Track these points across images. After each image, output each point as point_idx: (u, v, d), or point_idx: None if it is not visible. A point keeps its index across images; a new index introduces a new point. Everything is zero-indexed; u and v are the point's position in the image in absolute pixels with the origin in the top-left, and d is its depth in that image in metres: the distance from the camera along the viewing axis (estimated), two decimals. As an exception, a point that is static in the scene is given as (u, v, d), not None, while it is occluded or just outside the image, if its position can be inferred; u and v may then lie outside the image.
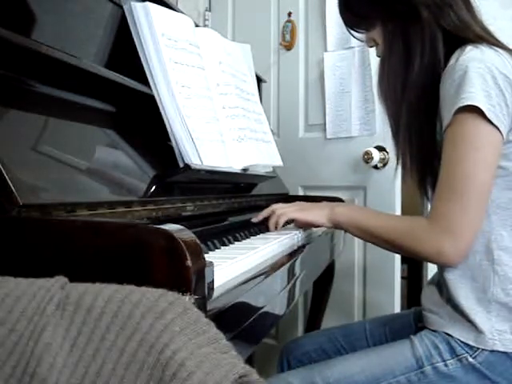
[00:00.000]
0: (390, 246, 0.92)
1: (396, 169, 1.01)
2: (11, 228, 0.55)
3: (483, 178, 0.80)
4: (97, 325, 0.42)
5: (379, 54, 0.98)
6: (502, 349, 0.83)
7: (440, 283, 0.93)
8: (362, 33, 1.01)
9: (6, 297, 0.44)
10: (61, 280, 0.46)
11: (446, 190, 0.83)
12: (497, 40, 0.89)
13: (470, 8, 0.91)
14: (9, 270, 0.49)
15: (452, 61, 0.84)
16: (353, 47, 1.73)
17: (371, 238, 0.94)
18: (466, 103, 0.78)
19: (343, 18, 1.01)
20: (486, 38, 0.86)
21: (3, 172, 0.55)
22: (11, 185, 0.55)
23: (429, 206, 1.13)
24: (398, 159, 0.99)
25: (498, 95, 0.78)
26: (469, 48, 0.83)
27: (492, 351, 0.83)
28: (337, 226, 1.00)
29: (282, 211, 1.04)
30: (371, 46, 1.00)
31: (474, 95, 0.77)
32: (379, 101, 0.99)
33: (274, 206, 1.08)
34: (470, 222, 0.81)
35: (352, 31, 1.01)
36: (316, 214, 1.01)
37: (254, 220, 1.09)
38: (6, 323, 0.43)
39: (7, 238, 0.55)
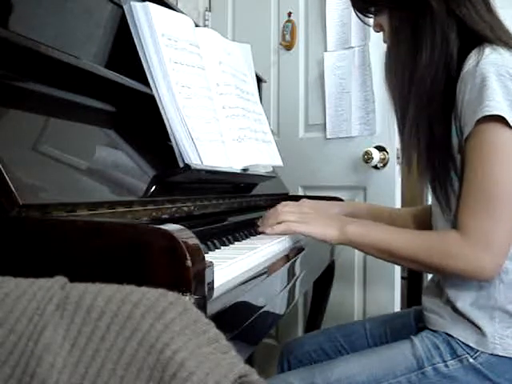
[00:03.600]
0: (419, 265, 0.86)
1: (400, 164, 0.97)
2: (11, 228, 0.55)
3: None
4: (97, 325, 0.42)
5: (385, 40, 0.95)
6: (502, 353, 0.83)
7: (441, 284, 0.93)
8: (369, 17, 0.97)
9: (6, 297, 0.44)
10: (61, 280, 0.46)
11: (477, 202, 0.78)
12: None
13: (489, 7, 0.87)
14: (9, 270, 0.49)
15: (471, 63, 0.81)
16: (353, 47, 1.73)
17: (394, 257, 0.87)
18: (490, 113, 0.75)
19: (352, 2, 0.98)
20: (503, 39, 0.83)
21: (3, 172, 0.55)
22: (11, 185, 0.55)
23: (429, 199, 1.11)
24: (402, 155, 0.95)
25: None
26: (488, 50, 0.80)
27: (492, 354, 0.83)
28: (348, 245, 0.92)
29: (285, 218, 0.95)
30: (378, 31, 0.97)
31: (498, 104, 0.75)
32: (387, 92, 0.95)
33: (280, 208, 0.99)
34: (506, 233, 0.78)
35: (360, 14, 0.98)
36: (323, 231, 0.91)
37: (268, 232, 0.98)
38: (5, 323, 0.43)
39: (7, 237, 0.55)
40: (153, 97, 0.89)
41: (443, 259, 0.82)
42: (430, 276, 1.27)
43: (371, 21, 0.99)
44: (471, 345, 0.84)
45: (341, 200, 1.49)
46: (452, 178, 0.87)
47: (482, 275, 0.80)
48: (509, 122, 0.75)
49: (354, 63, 1.73)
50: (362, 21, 1.01)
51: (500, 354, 0.83)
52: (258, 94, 1.38)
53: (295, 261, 0.91)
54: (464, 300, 0.86)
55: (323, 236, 0.92)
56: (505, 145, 0.77)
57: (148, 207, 0.80)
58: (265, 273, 0.74)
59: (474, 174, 0.79)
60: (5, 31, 0.64)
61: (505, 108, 0.75)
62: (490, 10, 0.88)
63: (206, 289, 0.52)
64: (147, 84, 0.90)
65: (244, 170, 1.11)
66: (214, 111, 1.02)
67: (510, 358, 0.83)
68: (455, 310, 0.87)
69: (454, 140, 0.85)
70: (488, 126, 0.77)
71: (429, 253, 0.83)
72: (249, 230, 1.03)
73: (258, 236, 1.01)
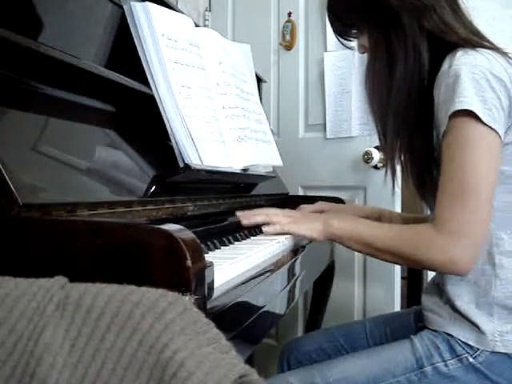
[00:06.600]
0: (396, 257, 0.87)
1: (386, 173, 1.00)
2: (11, 228, 0.55)
3: (488, 179, 0.79)
4: (97, 325, 0.42)
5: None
6: (503, 350, 0.83)
7: (440, 283, 0.93)
8: (351, 40, 1.02)
9: (6, 297, 0.44)
10: (61, 280, 0.46)
11: (451, 194, 0.80)
12: (485, 40, 0.88)
13: (456, 9, 0.91)
14: (9, 270, 0.49)
15: (445, 67, 0.84)
16: (353, 47, 1.73)
17: (373, 250, 0.90)
18: (461, 107, 0.78)
19: (332, 27, 1.02)
20: (471, 40, 0.86)
21: (3, 172, 0.55)
22: (11, 185, 0.55)
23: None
24: (386, 165, 0.99)
25: (493, 98, 0.79)
26: (459, 54, 0.83)
27: (492, 352, 0.83)
28: (332, 239, 0.96)
29: (277, 219, 0.98)
30: (363, 53, 1.00)
31: (470, 100, 0.78)
32: (366, 106, 0.99)
33: (269, 211, 1.02)
34: (479, 225, 0.79)
35: (341, 39, 1.02)
36: (308, 228, 0.96)
37: (244, 223, 0.99)
38: (5, 323, 0.43)
39: (7, 237, 0.55)
40: (153, 97, 0.89)
41: (417, 250, 0.83)
42: (430, 276, 1.27)
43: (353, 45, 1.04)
44: (471, 344, 0.84)
45: (341, 200, 1.49)
46: (436, 179, 0.89)
47: (457, 266, 0.80)
48: (480, 116, 0.77)
49: (354, 63, 1.73)
50: (345, 45, 1.05)
51: (501, 351, 0.83)
52: (257, 94, 1.38)
53: (295, 261, 0.91)
54: (462, 298, 0.87)
55: (310, 232, 0.95)
56: (479, 137, 0.79)
57: (148, 207, 0.80)
58: (265, 273, 0.74)
59: (449, 168, 0.81)
60: (5, 31, 0.64)
61: (476, 103, 0.77)
62: (459, 16, 0.91)
63: (206, 289, 0.52)
64: (147, 84, 0.90)
65: (244, 170, 1.11)
66: (213, 111, 1.02)
67: (509, 356, 0.83)
68: (455, 309, 0.88)
69: (436, 143, 0.88)
70: (462, 120, 0.79)
71: (404, 244, 0.85)
72: (249, 230, 1.03)
73: (258, 236, 1.01)
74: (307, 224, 0.97)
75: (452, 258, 0.80)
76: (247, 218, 0.99)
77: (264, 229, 0.97)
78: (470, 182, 0.79)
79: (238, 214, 1.01)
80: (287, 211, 1.07)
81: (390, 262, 0.93)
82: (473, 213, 0.79)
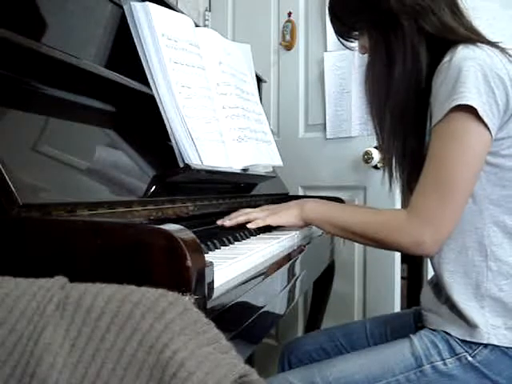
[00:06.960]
0: (368, 239, 0.91)
1: (384, 172, 1.01)
2: (11, 228, 0.55)
3: (468, 176, 0.81)
4: (97, 325, 0.42)
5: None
6: (496, 342, 0.83)
7: (438, 283, 0.93)
8: (352, 41, 1.03)
9: (6, 297, 0.44)
10: (61, 280, 0.46)
11: (429, 184, 0.83)
12: (485, 38, 0.89)
13: (455, 10, 0.91)
14: (9, 270, 0.49)
15: (446, 59, 0.84)
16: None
17: (347, 233, 0.94)
18: (459, 103, 0.78)
19: (333, 28, 1.03)
20: (472, 38, 0.87)
21: (3, 172, 0.55)
22: (11, 185, 0.55)
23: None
24: (383, 163, 1.01)
25: (487, 92, 0.79)
26: (460, 48, 0.84)
27: (491, 350, 0.84)
28: (309, 224, 1.01)
29: (257, 216, 1.01)
30: (363, 53, 1.01)
31: (468, 94, 0.78)
32: (365, 106, 1.01)
33: (247, 210, 1.04)
34: (450, 216, 0.83)
35: (342, 40, 1.03)
36: (286, 215, 1.01)
37: (227, 224, 0.99)
38: (5, 323, 0.43)
39: (7, 237, 0.55)
40: (153, 97, 0.89)
41: (387, 233, 0.87)
42: (429, 276, 1.28)
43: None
44: (467, 339, 0.85)
45: (341, 200, 1.49)
46: None
47: (421, 249, 0.85)
48: (477, 110, 0.78)
49: (354, 63, 1.73)
50: (346, 46, 1.06)
51: (494, 343, 0.83)
52: (257, 94, 1.38)
53: (295, 261, 0.91)
54: (455, 292, 0.87)
55: (289, 219, 1.00)
56: (468, 133, 0.80)
57: (148, 207, 0.80)
58: (265, 273, 0.74)
59: (434, 158, 0.83)
60: (6, 31, 0.64)
61: (474, 97, 0.78)
62: (459, 18, 0.91)
63: (206, 289, 0.52)
64: (147, 84, 0.90)
65: (244, 170, 1.11)
66: (213, 111, 1.03)
67: (507, 354, 0.83)
68: (452, 307, 0.88)
69: (428, 138, 0.89)
70: (456, 115, 0.80)
71: (377, 227, 0.89)
72: (249, 230, 1.03)
73: (258, 236, 1.02)
74: (284, 212, 1.01)
75: (417, 241, 0.84)
76: (229, 219, 1.02)
77: (248, 225, 1.00)
78: (449, 177, 0.81)
79: (219, 222, 1.02)
80: (264, 207, 1.10)
81: (362, 243, 0.96)
82: (446, 204, 0.82)
